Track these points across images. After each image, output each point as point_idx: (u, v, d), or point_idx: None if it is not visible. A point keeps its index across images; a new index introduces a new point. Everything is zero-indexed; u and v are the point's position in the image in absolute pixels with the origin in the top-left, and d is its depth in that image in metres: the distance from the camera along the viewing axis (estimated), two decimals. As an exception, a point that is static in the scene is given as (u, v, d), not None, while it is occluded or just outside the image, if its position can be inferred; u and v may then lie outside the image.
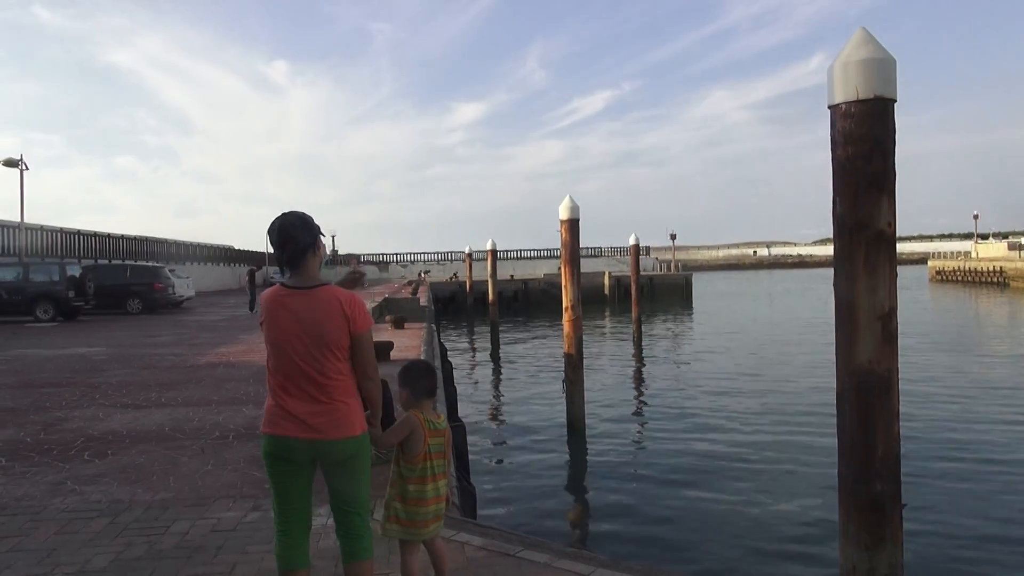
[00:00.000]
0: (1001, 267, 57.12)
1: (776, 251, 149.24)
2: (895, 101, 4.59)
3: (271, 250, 3.07)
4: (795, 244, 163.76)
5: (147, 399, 8.66)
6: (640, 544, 7.03)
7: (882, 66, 4.48)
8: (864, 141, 4.53)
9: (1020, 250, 63.94)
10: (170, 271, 28.38)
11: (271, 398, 2.88)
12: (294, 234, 2.92)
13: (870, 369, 4.58)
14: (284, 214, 2.98)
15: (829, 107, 4.68)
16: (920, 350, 20.42)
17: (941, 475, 8.90)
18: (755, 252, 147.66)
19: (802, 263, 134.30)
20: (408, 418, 3.17)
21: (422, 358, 10.06)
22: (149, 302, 25.77)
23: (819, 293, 53.71)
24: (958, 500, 8.04)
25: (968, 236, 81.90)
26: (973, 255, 69.75)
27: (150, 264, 30.20)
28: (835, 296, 4.80)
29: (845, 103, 4.53)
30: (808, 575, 6.40)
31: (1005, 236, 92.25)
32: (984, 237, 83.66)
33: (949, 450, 9.99)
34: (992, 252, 68.33)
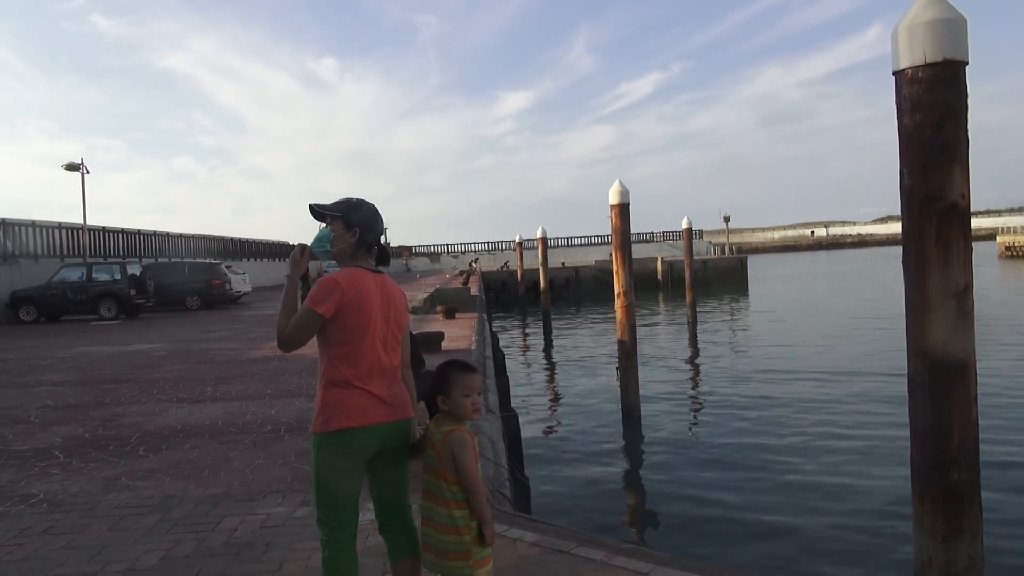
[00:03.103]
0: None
1: (834, 231, 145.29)
2: (967, 64, 4.25)
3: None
4: (854, 223, 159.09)
5: (202, 393, 8.79)
6: (700, 538, 6.81)
7: (952, 26, 4.16)
8: (934, 108, 4.23)
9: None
10: (227, 268, 28.95)
11: (345, 389, 2.71)
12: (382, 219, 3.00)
13: (944, 351, 4.29)
14: (365, 200, 2.98)
15: (894, 73, 4.38)
16: (991, 329, 19.50)
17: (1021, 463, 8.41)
18: (812, 233, 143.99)
19: (862, 242, 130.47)
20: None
21: (472, 348, 9.97)
22: (207, 298, 26.35)
23: (881, 273, 52.00)
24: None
25: (1040, 210, 78.17)
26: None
27: (208, 261, 30.88)
28: (904, 274, 4.51)
29: (912, 68, 4.23)
30: (882, 569, 6.08)
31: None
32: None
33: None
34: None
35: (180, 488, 5.06)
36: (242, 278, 30.01)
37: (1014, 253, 64.01)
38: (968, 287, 4.29)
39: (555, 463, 9.22)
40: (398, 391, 2.84)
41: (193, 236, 39.62)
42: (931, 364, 4.31)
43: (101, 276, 23.05)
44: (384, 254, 2.99)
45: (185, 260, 31.60)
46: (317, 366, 2.82)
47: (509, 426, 5.92)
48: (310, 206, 2.93)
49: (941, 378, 4.29)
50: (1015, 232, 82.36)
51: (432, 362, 8.52)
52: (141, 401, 8.44)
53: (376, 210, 2.95)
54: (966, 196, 4.27)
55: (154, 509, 4.63)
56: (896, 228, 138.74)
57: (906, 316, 4.49)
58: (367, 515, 3.36)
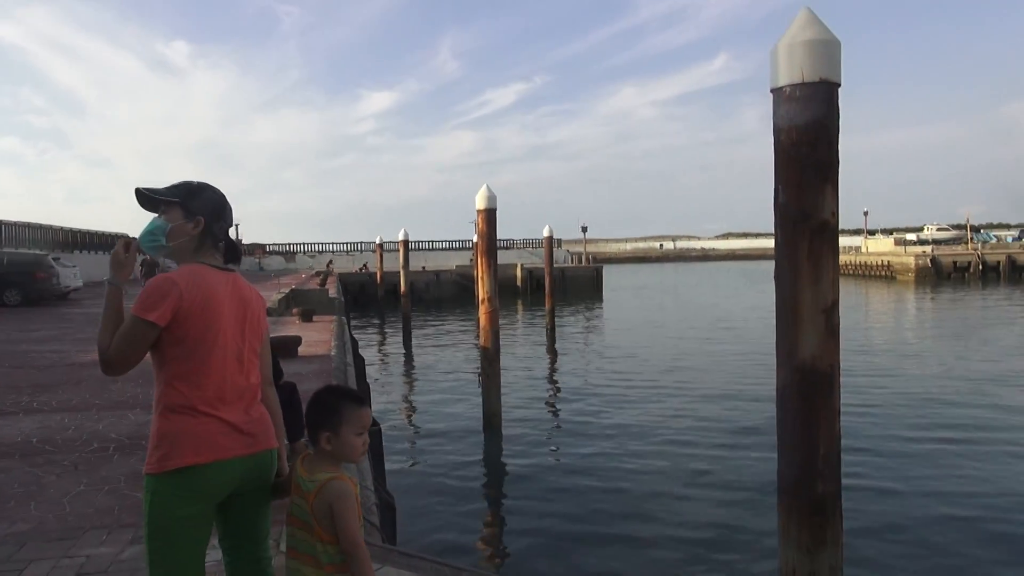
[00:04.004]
0: (888, 262, 60.37)
1: (681, 244, 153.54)
2: (839, 85, 4.37)
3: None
4: (699, 238, 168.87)
5: (15, 404, 7.69)
6: (564, 555, 6.67)
7: (828, 48, 4.23)
8: (809, 127, 4.29)
9: (905, 245, 67.73)
10: (54, 260, 26.28)
11: (189, 417, 2.19)
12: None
13: (813, 365, 4.36)
14: (209, 184, 2.50)
15: (772, 90, 4.42)
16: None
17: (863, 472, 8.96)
18: (661, 246, 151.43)
19: (705, 256, 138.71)
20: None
21: (332, 354, 9.39)
22: (30, 293, 23.75)
23: (723, 285, 55.36)
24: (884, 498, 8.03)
25: (858, 232, 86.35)
26: (863, 250, 73.49)
27: (32, 252, 27.91)
28: (777, 288, 4.56)
29: (790, 86, 4.27)
30: None
31: (890, 232, 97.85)
32: (872, 233, 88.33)
33: (871, 445, 10.11)
34: (880, 247, 72.15)
35: (-24, 522, 4.24)
36: (72, 272, 27.31)
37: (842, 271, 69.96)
38: (835, 303, 4.39)
39: (418, 475, 8.84)
40: (258, 416, 2.36)
41: (16, 224, 35.77)
42: (800, 377, 4.38)
43: None
44: (234, 250, 2.50)
45: (4, 250, 28.42)
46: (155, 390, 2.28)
47: (372, 441, 5.51)
48: (137, 190, 2.39)
49: (809, 391, 4.36)
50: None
51: (288, 369, 7.89)
52: (-63, 413, 7.26)
53: (223, 196, 2.49)
54: (836, 215, 4.38)
55: (-62, 551, 3.83)
56: (736, 244, 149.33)
57: (777, 329, 4.54)
58: (213, 553, 2.88)
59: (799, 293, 4.33)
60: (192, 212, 2.36)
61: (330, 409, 2.27)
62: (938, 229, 79.97)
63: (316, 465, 2.26)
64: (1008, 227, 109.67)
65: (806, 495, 4.40)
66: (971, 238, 69.92)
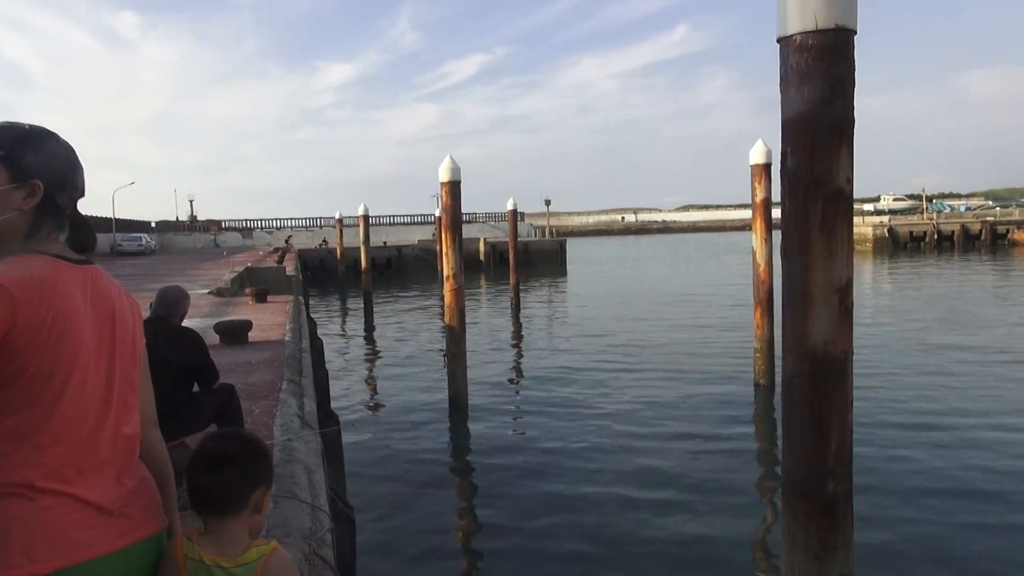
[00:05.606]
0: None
1: (642, 217, 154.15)
2: (856, 33, 3.84)
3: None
4: (660, 211, 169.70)
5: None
6: (539, 550, 6.15)
7: (844, -9, 3.74)
8: (824, 80, 3.76)
9: (863, 216, 68.61)
10: None
11: (23, 501, 1.42)
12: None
13: (825, 352, 3.87)
14: (48, 130, 1.63)
15: (779, 40, 3.87)
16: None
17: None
18: (623, 218, 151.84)
19: (666, 229, 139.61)
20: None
21: (286, 339, 8.67)
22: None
23: (687, 257, 55.47)
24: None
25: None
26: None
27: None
28: (784, 265, 4.05)
29: (801, 34, 3.73)
30: None
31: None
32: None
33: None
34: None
35: None
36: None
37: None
38: (850, 281, 3.91)
39: (381, 478, 8.07)
40: (135, 486, 1.59)
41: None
42: (811, 365, 3.91)
43: None
44: (84, 231, 1.66)
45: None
46: None
47: (330, 441, 4.90)
48: None
49: (821, 381, 3.90)
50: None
51: (236, 359, 7.18)
52: None
53: (71, 150, 1.65)
54: (851, 181, 3.89)
55: None
56: (696, 216, 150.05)
57: (784, 311, 4.05)
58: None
59: (810, 270, 3.84)
60: (23, 172, 1.52)
61: (266, 457, 1.66)
62: (894, 199, 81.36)
63: (227, 540, 1.60)
64: (959, 196, 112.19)
65: (815, 496, 3.96)
66: (926, 208, 71.17)
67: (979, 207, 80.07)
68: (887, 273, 37.42)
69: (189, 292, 4.06)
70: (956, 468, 7.91)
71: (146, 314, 3.77)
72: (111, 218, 55.71)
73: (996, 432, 9.11)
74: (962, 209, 74.80)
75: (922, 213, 68.16)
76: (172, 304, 3.75)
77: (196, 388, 3.72)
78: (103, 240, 50.95)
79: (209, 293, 15.36)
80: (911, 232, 56.69)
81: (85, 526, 1.47)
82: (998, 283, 30.00)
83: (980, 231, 57.11)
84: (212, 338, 7.91)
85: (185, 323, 4.15)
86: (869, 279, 34.32)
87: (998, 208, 70.98)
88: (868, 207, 79.65)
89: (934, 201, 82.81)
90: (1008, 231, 56.87)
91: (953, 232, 56.80)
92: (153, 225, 69.91)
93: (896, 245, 55.19)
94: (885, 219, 61.23)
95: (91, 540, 1.47)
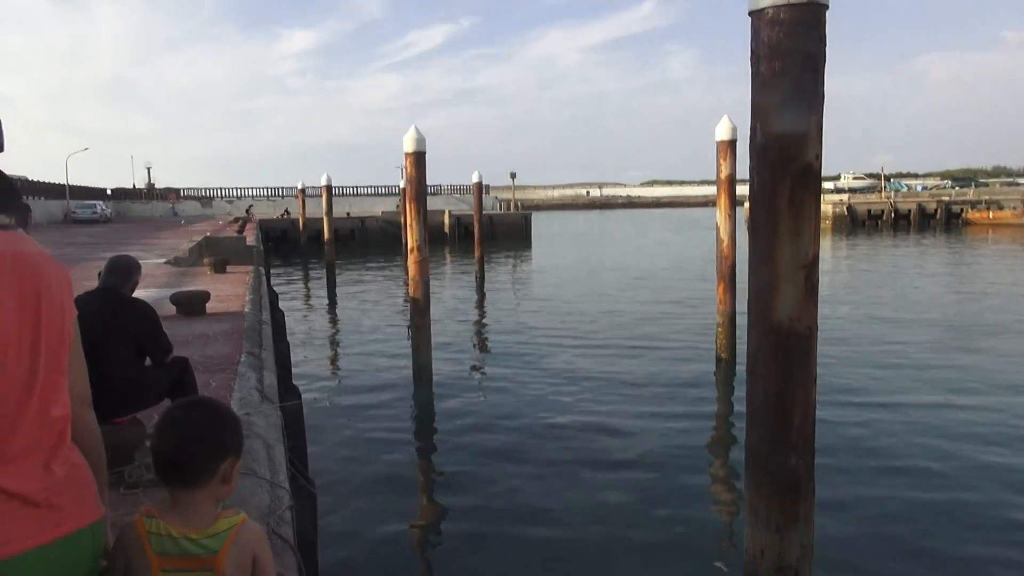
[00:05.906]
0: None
1: (607, 191, 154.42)
2: (827, 7, 3.81)
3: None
4: (624, 185, 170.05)
5: None
6: (499, 537, 6.08)
7: (817, -36, 3.70)
8: (794, 54, 3.73)
9: (823, 194, 69.55)
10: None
11: None
12: None
13: (790, 327, 3.89)
14: None
15: (751, 13, 3.82)
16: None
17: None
18: (588, 193, 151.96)
19: (631, 204, 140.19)
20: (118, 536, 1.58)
21: (245, 310, 8.49)
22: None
23: (650, 233, 55.78)
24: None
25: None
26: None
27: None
28: (751, 241, 4.05)
29: (773, 7, 3.69)
30: (704, 564, 5.76)
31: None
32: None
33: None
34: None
35: None
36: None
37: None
38: (816, 258, 3.92)
39: (344, 454, 7.91)
40: (65, 473, 1.47)
41: None
42: (776, 341, 3.93)
43: None
44: (9, 192, 1.51)
45: None
46: None
47: (291, 416, 4.80)
48: None
49: (785, 357, 3.93)
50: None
51: (193, 330, 7.01)
52: None
53: None
54: (819, 158, 3.88)
55: None
56: (660, 192, 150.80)
57: (750, 286, 4.06)
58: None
59: (777, 247, 3.84)
60: None
61: (236, 425, 1.62)
62: (854, 178, 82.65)
63: (195, 512, 1.54)
64: (916, 176, 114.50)
65: (778, 469, 4.00)
66: (884, 187, 72.44)
67: (935, 187, 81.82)
68: (845, 250, 38.12)
69: (145, 261, 3.92)
70: (908, 445, 8.08)
71: (95, 284, 3.62)
72: (64, 184, 54.09)
73: (946, 410, 9.33)
74: (919, 189, 76.32)
75: (880, 192, 69.37)
76: (123, 273, 3.60)
77: (148, 362, 3.60)
78: (56, 207, 49.57)
79: (166, 263, 14.99)
80: (869, 210, 57.68)
81: (8, 519, 1.35)
82: (951, 261, 30.76)
83: (936, 210, 58.34)
84: (168, 309, 7.70)
85: (139, 294, 4.01)
86: (828, 256, 34.90)
87: (954, 188, 72.54)
88: (828, 185, 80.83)
89: (892, 180, 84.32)
90: (962, 210, 58.19)
91: (910, 211, 57.92)
92: (109, 192, 68.00)
93: (855, 223, 56.15)
94: (844, 197, 62.14)
95: (19, 533, 1.36)
